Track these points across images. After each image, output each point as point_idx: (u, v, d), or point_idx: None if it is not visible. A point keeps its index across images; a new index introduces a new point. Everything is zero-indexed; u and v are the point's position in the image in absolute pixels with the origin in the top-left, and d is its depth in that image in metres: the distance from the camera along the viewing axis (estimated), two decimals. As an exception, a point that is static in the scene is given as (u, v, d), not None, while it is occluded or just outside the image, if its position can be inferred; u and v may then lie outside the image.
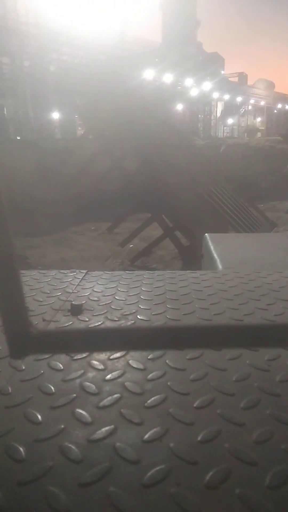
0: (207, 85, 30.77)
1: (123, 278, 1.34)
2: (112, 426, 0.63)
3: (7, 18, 21.64)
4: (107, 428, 0.62)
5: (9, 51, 22.10)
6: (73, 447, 0.58)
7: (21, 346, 0.37)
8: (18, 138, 19.88)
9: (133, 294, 1.20)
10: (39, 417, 0.65)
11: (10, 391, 0.72)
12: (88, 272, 1.42)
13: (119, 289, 1.24)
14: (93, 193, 8.89)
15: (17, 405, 0.68)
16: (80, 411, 0.66)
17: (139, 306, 1.10)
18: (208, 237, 2.01)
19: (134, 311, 1.07)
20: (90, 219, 8.83)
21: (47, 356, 0.83)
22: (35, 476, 0.53)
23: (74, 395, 0.71)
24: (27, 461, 0.56)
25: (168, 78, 27.59)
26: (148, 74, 26.84)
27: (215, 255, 1.74)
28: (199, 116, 35.27)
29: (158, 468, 0.55)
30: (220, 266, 1.62)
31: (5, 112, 20.69)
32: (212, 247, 1.85)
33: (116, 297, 1.17)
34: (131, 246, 6.84)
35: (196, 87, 29.75)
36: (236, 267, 1.55)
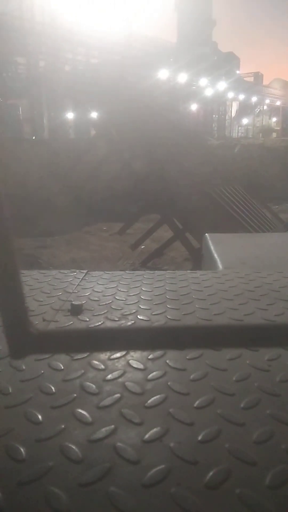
0: (222, 85, 30.58)
1: (123, 278, 1.35)
2: (112, 426, 0.63)
3: (23, 18, 21.74)
4: (107, 428, 0.62)
5: (25, 51, 22.17)
6: (73, 447, 0.58)
7: (21, 346, 0.37)
8: (33, 138, 19.89)
9: (133, 294, 1.20)
10: (40, 417, 0.65)
11: (10, 391, 0.72)
12: (88, 272, 1.42)
13: (119, 289, 1.24)
14: (105, 193, 8.85)
15: (17, 405, 0.68)
16: (81, 411, 0.66)
17: (139, 306, 1.10)
18: (208, 237, 2.01)
19: (134, 311, 1.07)
20: (103, 219, 8.76)
21: (47, 356, 0.83)
22: (36, 476, 0.53)
23: (75, 395, 0.71)
24: (27, 461, 0.56)
25: (182, 78, 27.49)
26: (163, 74, 26.79)
27: (215, 255, 1.74)
28: (214, 116, 35.06)
29: (158, 468, 0.55)
30: (220, 266, 1.61)
31: (20, 112, 20.68)
32: (212, 247, 1.85)
33: (116, 297, 1.17)
34: (142, 247, 6.77)
35: (211, 87, 29.61)
36: (236, 267, 1.55)
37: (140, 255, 6.62)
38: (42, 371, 0.78)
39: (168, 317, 1.03)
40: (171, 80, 27.13)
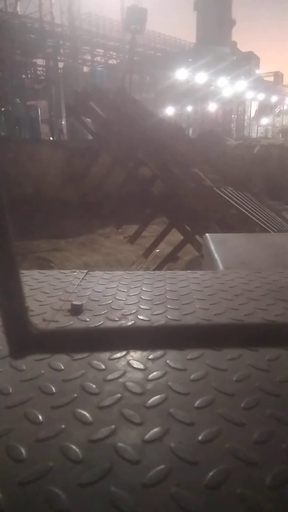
0: (241, 85, 30.30)
1: (124, 278, 1.34)
2: (113, 426, 0.63)
3: (42, 21, 21.86)
4: (107, 428, 0.62)
5: (44, 53, 22.36)
6: (73, 447, 0.58)
7: (21, 346, 0.37)
8: (51, 139, 19.88)
9: (134, 294, 1.20)
10: (40, 417, 0.65)
11: (10, 391, 0.72)
12: (89, 272, 1.42)
13: (119, 289, 1.24)
14: (120, 194, 8.75)
15: (17, 405, 0.68)
16: (81, 411, 0.66)
17: (140, 306, 1.10)
18: (208, 237, 2.01)
19: (134, 311, 1.07)
20: (118, 221, 8.58)
21: (47, 356, 0.83)
22: (36, 476, 0.53)
23: (75, 395, 0.71)
24: (28, 461, 0.56)
25: (201, 78, 27.35)
26: (181, 74, 26.67)
27: (216, 255, 1.74)
28: (232, 116, 34.75)
29: (158, 468, 0.55)
30: (220, 266, 1.61)
31: (40, 113, 20.73)
32: (212, 247, 1.85)
33: (116, 297, 1.17)
34: (157, 251, 6.66)
35: (230, 87, 29.39)
36: (237, 267, 1.55)
37: (155, 259, 6.52)
38: (42, 371, 0.78)
39: (168, 317, 1.03)
40: (189, 80, 27.02)
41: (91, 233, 8.09)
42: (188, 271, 1.43)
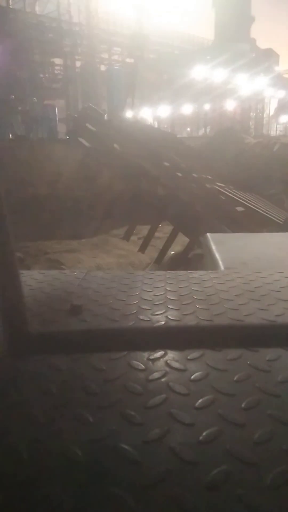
0: (260, 82, 29.92)
1: (124, 279, 1.34)
2: (113, 427, 0.63)
3: (60, 20, 21.88)
4: (107, 428, 0.62)
5: (62, 52, 22.40)
6: (73, 447, 0.58)
7: (21, 346, 0.37)
8: (67, 138, 19.91)
9: (133, 294, 1.19)
10: (40, 417, 0.65)
11: (10, 391, 0.72)
12: (89, 272, 1.42)
13: (119, 289, 1.24)
14: (134, 195, 8.63)
15: (17, 405, 0.68)
16: (81, 411, 0.66)
17: (140, 306, 1.10)
18: (209, 237, 2.01)
19: (134, 311, 1.07)
20: (132, 221, 8.43)
21: (47, 356, 0.83)
22: (35, 477, 0.53)
23: (75, 395, 0.71)
24: (27, 461, 0.56)
25: (219, 75, 27.11)
26: (199, 71, 26.44)
27: (216, 255, 1.74)
28: (251, 114, 34.40)
29: (158, 468, 0.55)
30: (221, 267, 1.61)
31: (57, 113, 20.73)
32: (213, 247, 1.84)
33: (116, 298, 1.17)
34: (172, 253, 6.57)
35: (249, 84, 29.07)
36: (237, 267, 1.55)
37: (169, 262, 6.40)
38: (42, 371, 0.78)
39: (169, 317, 1.03)
40: (207, 78, 26.81)
41: (104, 234, 7.91)
42: (188, 271, 1.43)
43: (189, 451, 0.57)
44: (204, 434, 0.61)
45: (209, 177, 7.39)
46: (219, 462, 0.56)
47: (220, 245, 1.88)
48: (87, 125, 7.77)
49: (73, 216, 7.98)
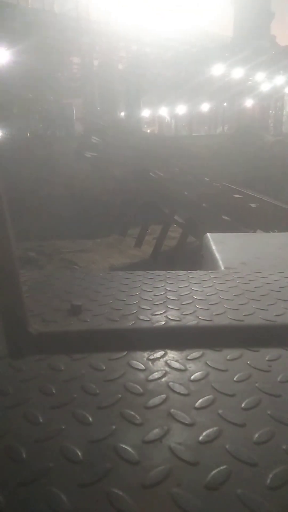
0: (279, 80, 29.54)
1: (124, 279, 1.34)
2: (113, 427, 0.63)
3: (79, 18, 21.65)
4: (107, 428, 0.62)
5: (79, 51, 22.23)
6: (73, 447, 0.58)
7: (21, 346, 0.37)
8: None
9: (133, 294, 1.19)
10: (39, 417, 0.65)
11: (10, 391, 0.72)
12: (88, 272, 1.42)
13: (119, 289, 1.24)
14: (152, 195, 8.52)
15: (17, 405, 0.68)
16: (81, 411, 0.66)
17: (140, 306, 1.10)
18: (209, 237, 2.00)
19: (134, 311, 1.07)
20: (147, 221, 8.19)
21: (47, 356, 0.83)
22: (35, 476, 0.53)
23: (75, 395, 0.71)
24: (27, 461, 0.56)
25: (238, 72, 26.85)
26: (218, 69, 26.14)
27: (216, 255, 1.74)
28: (270, 112, 34.05)
29: (158, 468, 0.54)
30: (221, 267, 1.61)
31: (74, 111, 20.68)
32: (213, 247, 1.84)
33: (116, 298, 1.17)
34: None
35: (268, 82, 28.79)
36: (237, 267, 1.55)
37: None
38: (42, 372, 0.78)
39: (169, 317, 1.03)
40: (226, 75, 26.57)
41: (119, 233, 7.86)
42: (188, 271, 1.43)
43: (189, 451, 0.57)
44: (204, 434, 0.61)
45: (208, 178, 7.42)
46: (219, 462, 0.56)
47: (220, 245, 1.88)
48: (93, 138, 7.84)
49: (90, 215, 7.93)
